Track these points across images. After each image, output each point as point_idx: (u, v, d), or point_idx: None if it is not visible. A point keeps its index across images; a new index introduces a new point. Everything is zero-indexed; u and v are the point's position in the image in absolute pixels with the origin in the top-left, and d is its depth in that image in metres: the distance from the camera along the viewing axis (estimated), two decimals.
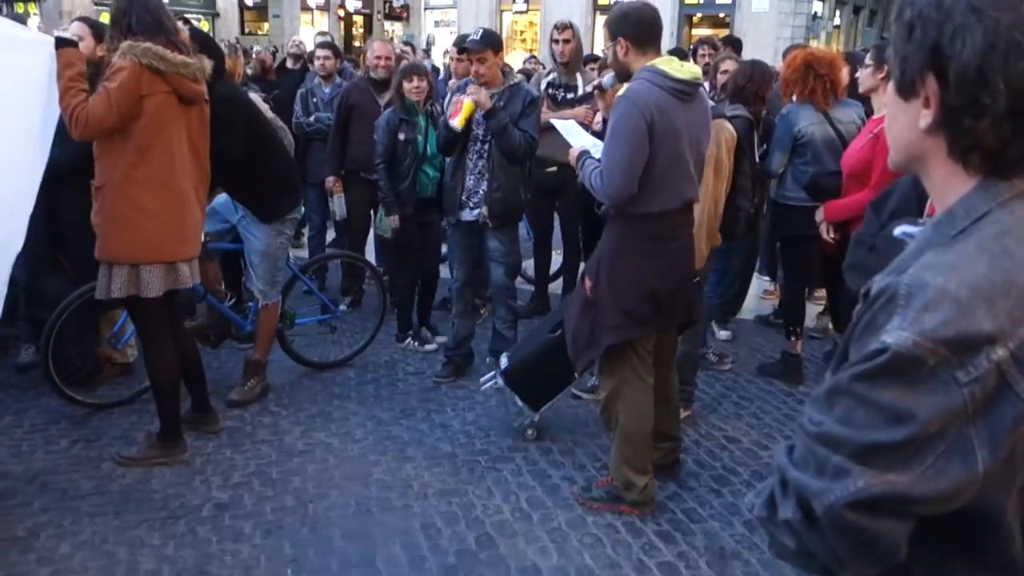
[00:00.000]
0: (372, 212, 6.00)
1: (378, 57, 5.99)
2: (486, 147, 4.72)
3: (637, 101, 3.13)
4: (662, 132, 3.15)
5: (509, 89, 4.68)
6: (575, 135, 3.70)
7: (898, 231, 1.21)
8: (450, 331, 5.19)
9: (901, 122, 1.09)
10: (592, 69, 6.43)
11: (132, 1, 3.47)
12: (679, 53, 5.58)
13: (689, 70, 3.27)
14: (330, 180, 6.02)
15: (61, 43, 3.44)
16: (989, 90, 0.97)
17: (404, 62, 6.63)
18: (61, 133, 3.52)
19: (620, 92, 3.23)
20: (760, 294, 6.93)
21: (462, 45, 5.15)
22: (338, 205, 6.03)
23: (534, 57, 11.36)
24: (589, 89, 3.94)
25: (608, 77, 3.65)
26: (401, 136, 5.18)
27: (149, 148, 3.50)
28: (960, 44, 0.97)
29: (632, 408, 3.49)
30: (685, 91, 3.22)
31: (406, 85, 5.19)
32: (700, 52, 6.96)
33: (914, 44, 1.03)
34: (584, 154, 3.44)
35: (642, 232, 3.32)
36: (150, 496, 3.63)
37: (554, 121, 3.99)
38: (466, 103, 4.53)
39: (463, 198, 4.81)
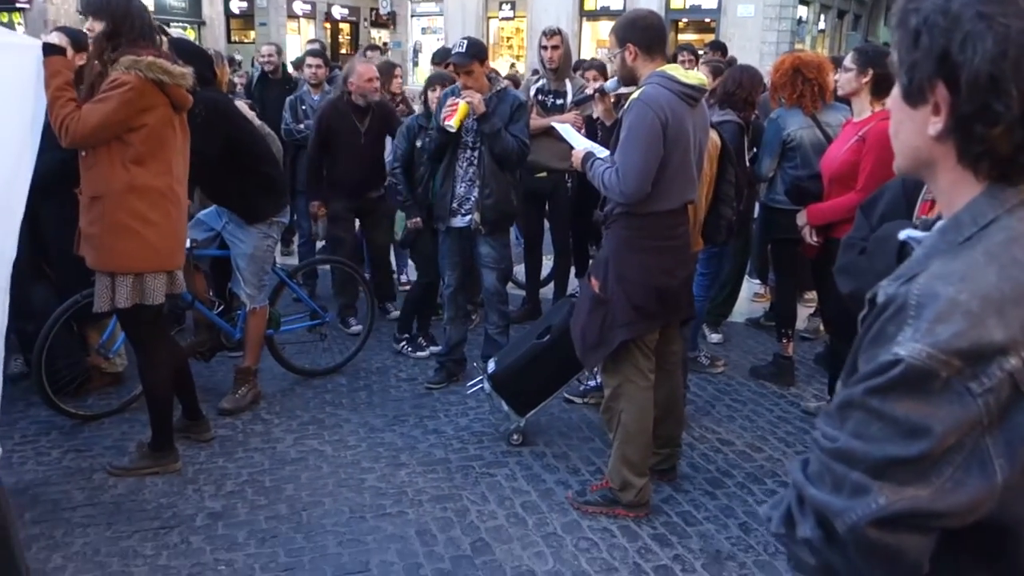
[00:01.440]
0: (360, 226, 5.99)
1: (369, 80, 5.69)
2: (476, 154, 4.74)
3: (652, 103, 3.22)
4: (674, 134, 3.25)
5: (496, 95, 4.69)
6: (574, 137, 3.76)
7: (903, 235, 1.21)
8: (443, 337, 5.19)
9: (908, 128, 1.09)
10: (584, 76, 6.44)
11: (127, 13, 3.44)
12: None
13: (696, 76, 3.40)
14: (314, 205, 5.87)
15: (49, 50, 3.40)
16: (1002, 97, 0.96)
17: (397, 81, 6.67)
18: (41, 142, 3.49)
19: (634, 95, 3.30)
20: (751, 297, 6.96)
21: (447, 60, 5.12)
22: (322, 228, 6.00)
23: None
24: (590, 91, 4.00)
25: (611, 81, 3.73)
26: (418, 143, 5.18)
27: (150, 158, 3.49)
28: (971, 51, 0.97)
29: (635, 406, 3.51)
30: (692, 96, 3.33)
31: (430, 94, 5.21)
32: (680, 58, 6.99)
33: (921, 51, 1.02)
34: (590, 155, 3.52)
35: (648, 231, 3.40)
36: (142, 506, 3.60)
37: (555, 123, 4.06)
38: (461, 105, 4.53)
39: (454, 205, 4.82)
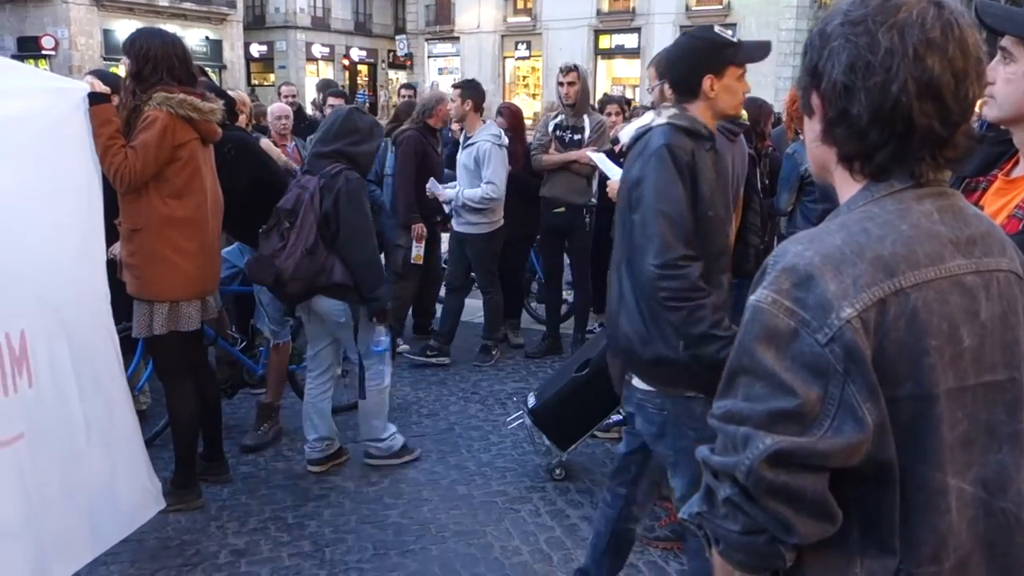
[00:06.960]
0: None
1: (449, 108, 6.00)
2: None
3: None
4: (719, 168, 3.20)
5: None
6: (610, 168, 3.75)
7: None
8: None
9: (809, 137, 1.26)
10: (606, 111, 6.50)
11: (147, 53, 3.54)
12: None
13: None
14: (420, 227, 5.96)
15: (95, 99, 3.39)
16: (854, 104, 1.11)
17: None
18: None
19: None
20: None
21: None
22: (422, 249, 6.08)
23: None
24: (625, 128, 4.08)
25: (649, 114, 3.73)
26: None
27: (185, 191, 3.61)
28: (831, 64, 1.12)
29: None
30: (733, 130, 3.33)
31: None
32: None
33: (803, 66, 1.20)
34: None
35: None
36: (165, 544, 3.59)
37: (590, 154, 4.04)
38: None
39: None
